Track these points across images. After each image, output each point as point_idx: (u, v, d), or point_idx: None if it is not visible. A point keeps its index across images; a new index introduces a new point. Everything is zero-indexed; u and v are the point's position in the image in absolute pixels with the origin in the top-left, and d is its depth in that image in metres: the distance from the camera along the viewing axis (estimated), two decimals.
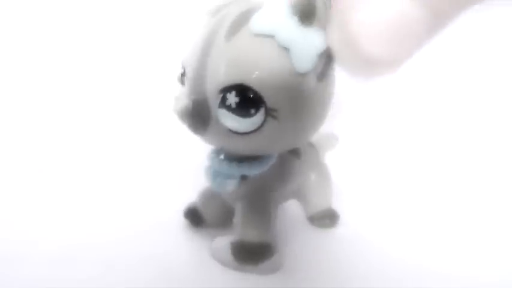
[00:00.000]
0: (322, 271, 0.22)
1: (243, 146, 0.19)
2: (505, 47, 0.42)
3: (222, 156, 0.21)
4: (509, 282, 0.22)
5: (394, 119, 0.40)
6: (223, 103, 0.17)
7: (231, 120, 0.17)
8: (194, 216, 0.25)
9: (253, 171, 0.20)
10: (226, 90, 0.17)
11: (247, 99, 0.17)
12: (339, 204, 0.26)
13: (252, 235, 0.21)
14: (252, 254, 0.21)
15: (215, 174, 0.21)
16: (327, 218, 0.25)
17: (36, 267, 0.22)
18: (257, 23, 0.17)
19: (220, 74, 0.17)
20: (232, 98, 0.17)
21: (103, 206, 0.27)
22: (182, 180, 0.28)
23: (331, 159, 0.27)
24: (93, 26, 0.43)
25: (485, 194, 0.29)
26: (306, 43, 0.17)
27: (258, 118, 0.17)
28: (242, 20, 0.18)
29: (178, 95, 0.19)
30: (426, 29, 0.14)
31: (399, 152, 0.35)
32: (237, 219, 0.22)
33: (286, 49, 0.17)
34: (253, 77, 0.17)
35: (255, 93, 0.17)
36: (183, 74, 0.19)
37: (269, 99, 0.17)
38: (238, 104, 0.17)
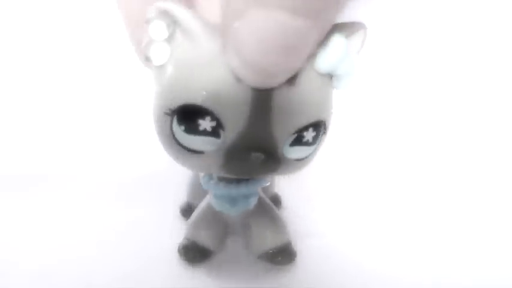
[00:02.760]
0: (302, 280, 0.23)
1: (300, 168, 0.19)
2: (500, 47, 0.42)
3: (216, 179, 0.21)
4: None
5: (370, 131, 0.40)
6: (299, 141, 0.18)
7: (301, 152, 0.18)
8: (196, 251, 0.23)
9: (267, 181, 0.22)
10: (304, 129, 0.18)
11: (320, 129, 0.18)
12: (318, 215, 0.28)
13: (278, 239, 0.23)
14: (287, 255, 0.23)
15: (234, 199, 0.21)
16: None
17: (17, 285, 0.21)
18: (324, 64, 0.17)
19: (295, 117, 0.17)
20: (310, 134, 0.18)
21: (86, 221, 0.27)
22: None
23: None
24: (90, 26, 0.43)
25: (464, 200, 0.31)
26: (353, 71, 0.18)
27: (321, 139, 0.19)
28: None
29: (204, 148, 0.18)
30: (312, 38, 0.14)
31: (380, 160, 0.36)
32: (257, 232, 0.23)
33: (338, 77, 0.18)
34: (327, 113, 0.19)
35: (324, 122, 0.18)
36: (217, 127, 0.17)
37: (328, 121, 0.19)
38: (314, 137, 0.18)
